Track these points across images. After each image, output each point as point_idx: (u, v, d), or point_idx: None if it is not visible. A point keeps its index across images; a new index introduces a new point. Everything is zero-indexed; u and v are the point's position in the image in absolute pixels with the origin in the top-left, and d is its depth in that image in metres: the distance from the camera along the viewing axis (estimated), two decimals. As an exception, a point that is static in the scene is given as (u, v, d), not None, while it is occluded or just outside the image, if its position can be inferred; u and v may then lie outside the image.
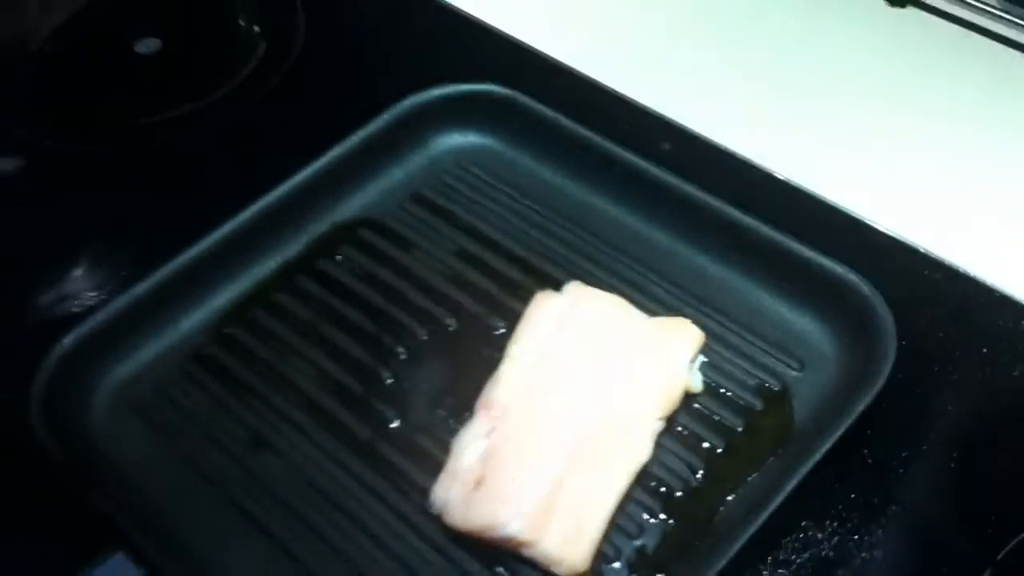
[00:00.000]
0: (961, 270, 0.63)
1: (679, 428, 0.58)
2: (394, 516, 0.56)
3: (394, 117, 0.71)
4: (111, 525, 0.53)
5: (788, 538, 0.54)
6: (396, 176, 0.71)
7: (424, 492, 0.56)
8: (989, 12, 0.78)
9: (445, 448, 0.57)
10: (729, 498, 0.55)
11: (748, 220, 0.63)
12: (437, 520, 0.55)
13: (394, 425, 0.59)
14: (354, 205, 0.70)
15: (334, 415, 0.60)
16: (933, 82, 0.77)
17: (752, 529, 0.51)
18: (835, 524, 0.54)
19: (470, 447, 0.56)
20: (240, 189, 0.68)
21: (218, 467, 0.58)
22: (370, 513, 0.56)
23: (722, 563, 0.50)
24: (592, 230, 0.67)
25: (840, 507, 0.55)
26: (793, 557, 0.53)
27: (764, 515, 0.52)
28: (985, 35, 0.79)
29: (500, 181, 0.70)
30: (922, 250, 0.64)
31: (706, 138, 0.71)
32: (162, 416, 0.61)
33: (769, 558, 0.53)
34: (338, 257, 0.67)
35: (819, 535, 0.54)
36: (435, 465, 0.56)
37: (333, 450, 0.59)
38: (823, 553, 0.54)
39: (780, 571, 0.53)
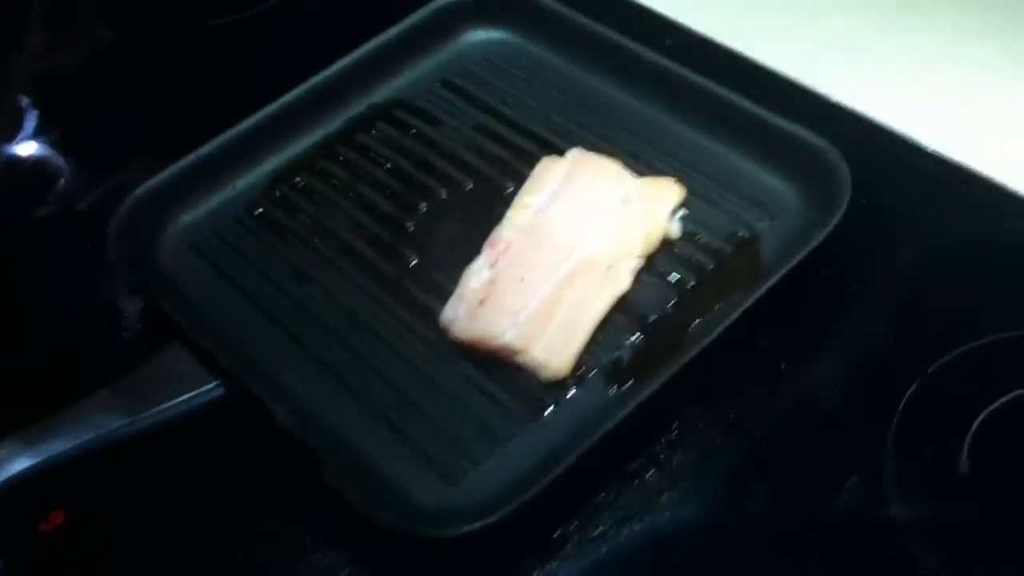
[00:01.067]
0: (913, 140, 0.72)
1: (659, 268, 0.67)
2: (412, 335, 0.65)
3: (430, 12, 0.81)
4: (175, 325, 0.63)
5: (744, 352, 0.62)
6: (428, 65, 0.81)
7: (436, 315, 0.65)
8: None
9: (456, 281, 0.66)
10: (696, 321, 0.64)
11: (730, 95, 0.72)
12: (445, 335, 0.64)
13: (414, 263, 0.69)
14: (390, 88, 0.80)
15: (364, 255, 0.70)
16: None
17: (708, 340, 0.60)
18: (787, 341, 0.63)
19: (476, 274, 0.65)
20: (291, 77, 0.79)
21: (267, 297, 0.68)
22: (393, 333, 0.66)
23: (678, 367, 0.59)
24: (596, 109, 0.76)
25: (792, 327, 0.63)
26: (747, 367, 0.62)
27: (720, 328, 0.60)
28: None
29: (519, 69, 0.80)
30: (881, 123, 0.73)
31: (702, 34, 0.80)
32: (220, 255, 0.71)
33: (725, 365, 0.61)
34: (373, 132, 0.77)
35: (770, 351, 0.63)
36: (448, 295, 0.66)
37: (363, 283, 0.68)
38: (776, 365, 0.62)
39: (734, 378, 0.62)
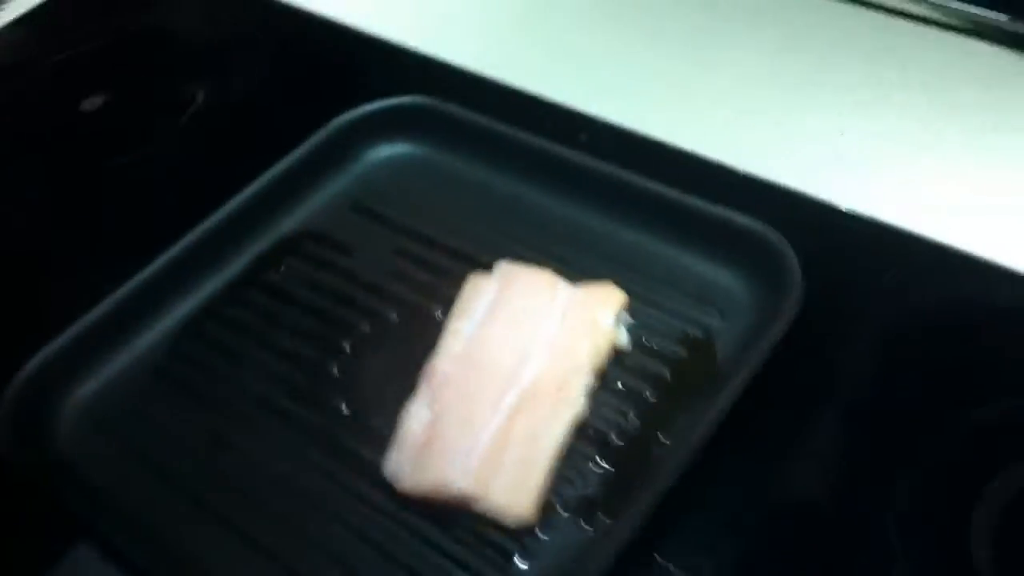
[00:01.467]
0: (856, 213, 0.68)
1: (612, 382, 0.61)
2: (351, 495, 0.59)
3: (327, 135, 0.76)
4: (82, 524, 0.56)
5: (716, 465, 0.57)
6: (334, 190, 0.75)
7: (378, 468, 0.59)
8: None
9: (394, 426, 0.60)
10: (662, 439, 0.58)
11: (657, 187, 0.68)
12: (391, 490, 0.58)
13: (344, 412, 0.63)
14: (296, 219, 0.74)
15: (287, 410, 0.63)
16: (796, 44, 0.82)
17: (680, 462, 0.55)
18: (759, 446, 0.58)
19: (415, 416, 0.59)
20: (186, 217, 0.72)
21: (181, 471, 0.61)
22: (328, 495, 0.59)
23: (654, 498, 0.54)
24: (518, 216, 0.71)
25: (762, 430, 0.58)
26: (723, 480, 0.57)
27: (690, 447, 0.55)
28: None
29: (431, 183, 0.75)
30: (822, 200, 0.68)
31: (618, 124, 0.76)
32: (126, 430, 0.64)
33: (700, 483, 0.56)
34: (282, 268, 0.71)
35: (744, 459, 0.57)
36: (386, 442, 0.59)
37: (290, 441, 0.62)
38: (753, 474, 0.57)
39: (712, 494, 0.56)
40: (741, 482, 0.57)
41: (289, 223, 0.74)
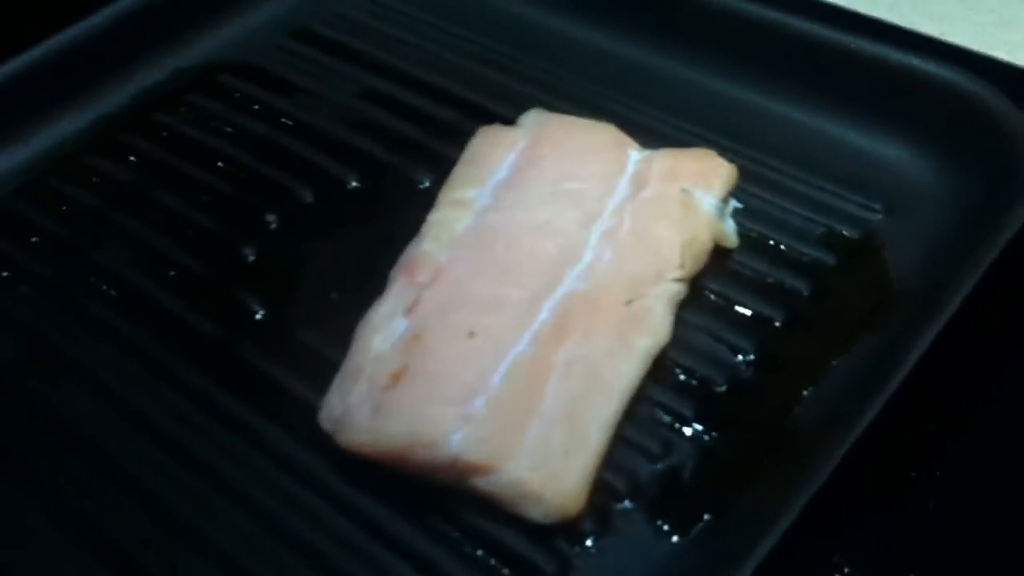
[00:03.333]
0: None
1: (711, 295, 0.37)
2: (265, 456, 0.35)
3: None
4: None
5: (896, 441, 0.33)
6: (269, 11, 0.51)
7: (310, 408, 0.34)
8: None
9: (339, 343, 0.35)
10: (804, 393, 0.34)
11: (788, 20, 0.44)
12: (331, 448, 0.33)
13: (259, 317, 0.38)
14: (209, 45, 0.50)
15: (169, 309, 0.39)
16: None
17: (842, 451, 0.30)
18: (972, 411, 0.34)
19: (382, 329, 0.35)
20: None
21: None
22: (230, 457, 0.35)
23: (803, 494, 0.29)
24: (554, 58, 0.48)
25: (972, 388, 0.35)
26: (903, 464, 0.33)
27: (860, 428, 0.31)
28: None
29: (419, 8, 0.50)
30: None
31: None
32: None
33: (862, 472, 0.32)
34: (181, 109, 0.47)
35: (938, 433, 0.34)
36: (325, 368, 0.35)
37: (169, 365, 0.37)
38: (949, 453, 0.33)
39: (883, 488, 0.32)
40: (930, 464, 0.33)
41: (200, 49, 0.50)
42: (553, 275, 0.36)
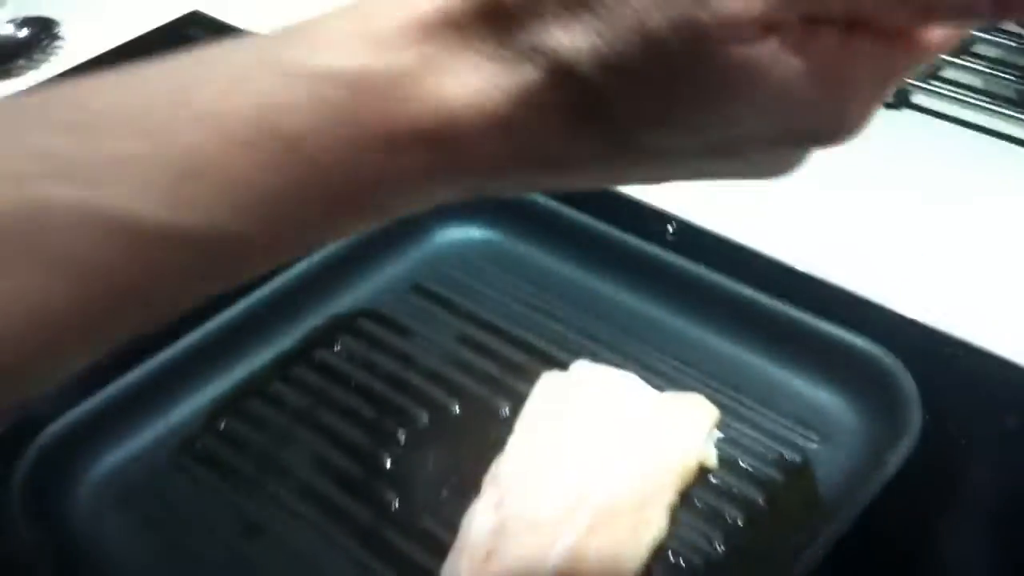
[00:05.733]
0: (976, 345, 0.62)
1: (696, 503, 0.55)
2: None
3: (394, 212, 0.71)
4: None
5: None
6: (396, 269, 0.70)
7: (429, 574, 0.52)
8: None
9: (450, 528, 0.54)
10: (753, 570, 0.52)
11: (760, 297, 0.62)
12: (445, 601, 0.51)
13: (395, 508, 0.56)
14: (353, 298, 0.68)
15: (332, 499, 0.57)
16: (930, 172, 0.77)
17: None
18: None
19: (479, 520, 0.53)
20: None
21: (210, 558, 0.55)
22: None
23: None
24: (597, 313, 0.66)
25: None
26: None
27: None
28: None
29: (501, 270, 0.69)
30: (938, 327, 0.62)
31: (713, 231, 0.70)
32: (150, 507, 0.57)
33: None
34: (336, 348, 0.65)
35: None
36: (439, 546, 0.53)
37: (331, 534, 0.55)
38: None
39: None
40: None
41: (347, 300, 0.68)
42: (589, 489, 0.54)
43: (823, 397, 0.59)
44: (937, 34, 0.31)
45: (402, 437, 0.60)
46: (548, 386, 0.59)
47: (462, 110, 0.29)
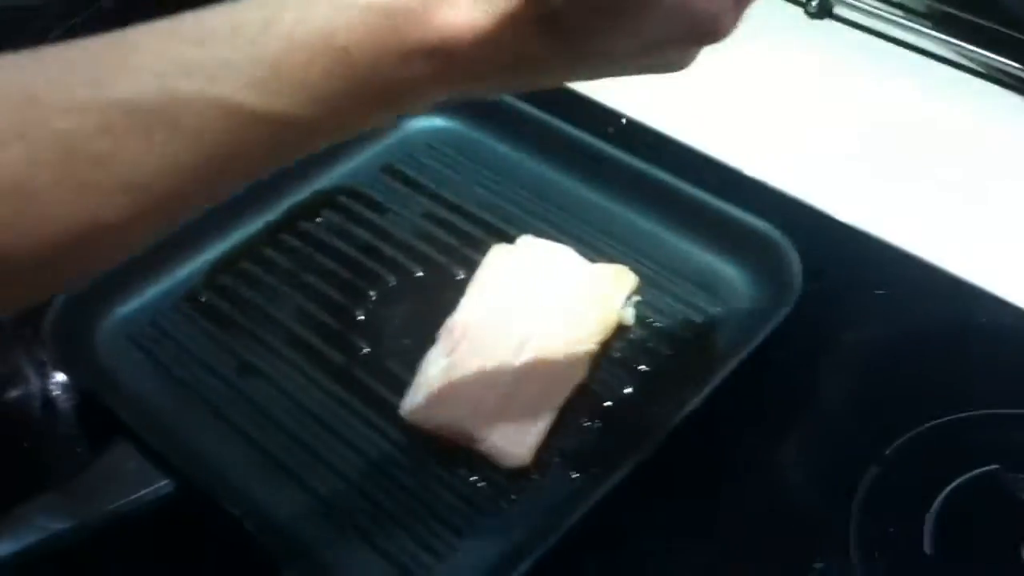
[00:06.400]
0: (855, 226, 0.74)
1: (615, 353, 0.66)
2: (366, 426, 0.63)
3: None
4: (120, 423, 0.61)
5: (702, 440, 0.61)
6: (372, 152, 0.80)
7: (391, 406, 0.64)
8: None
9: (410, 369, 0.65)
10: (655, 407, 0.63)
11: (679, 183, 0.73)
12: (404, 425, 0.63)
13: (365, 351, 0.68)
14: (333, 174, 0.79)
15: (312, 345, 0.68)
16: (841, 76, 0.87)
17: (669, 428, 0.59)
18: (745, 429, 0.63)
19: (435, 362, 0.64)
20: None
21: (209, 389, 0.66)
22: (345, 424, 0.64)
23: (641, 456, 0.58)
24: (542, 195, 0.76)
25: (750, 415, 0.63)
26: (706, 455, 0.62)
27: (680, 416, 0.60)
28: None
29: (465, 157, 0.80)
30: (824, 210, 0.74)
31: (648, 124, 0.81)
32: (160, 347, 0.69)
33: (684, 454, 0.61)
34: (318, 219, 0.76)
35: (729, 439, 0.62)
36: (401, 384, 0.64)
37: (311, 373, 0.67)
38: (734, 454, 0.62)
39: (694, 466, 0.61)
40: (722, 458, 0.62)
41: (327, 178, 0.79)
42: (526, 339, 0.65)
43: (726, 269, 0.70)
44: None
45: (373, 295, 0.71)
46: (497, 256, 0.70)
47: (459, 31, 0.41)
